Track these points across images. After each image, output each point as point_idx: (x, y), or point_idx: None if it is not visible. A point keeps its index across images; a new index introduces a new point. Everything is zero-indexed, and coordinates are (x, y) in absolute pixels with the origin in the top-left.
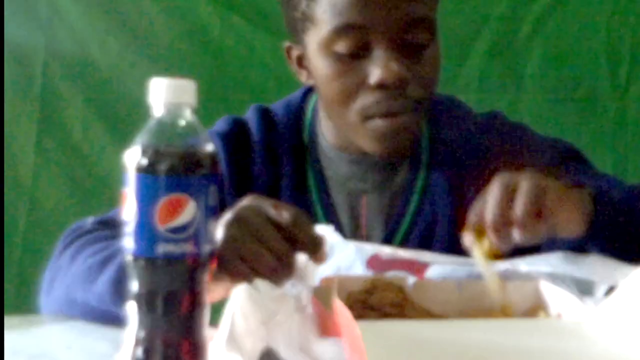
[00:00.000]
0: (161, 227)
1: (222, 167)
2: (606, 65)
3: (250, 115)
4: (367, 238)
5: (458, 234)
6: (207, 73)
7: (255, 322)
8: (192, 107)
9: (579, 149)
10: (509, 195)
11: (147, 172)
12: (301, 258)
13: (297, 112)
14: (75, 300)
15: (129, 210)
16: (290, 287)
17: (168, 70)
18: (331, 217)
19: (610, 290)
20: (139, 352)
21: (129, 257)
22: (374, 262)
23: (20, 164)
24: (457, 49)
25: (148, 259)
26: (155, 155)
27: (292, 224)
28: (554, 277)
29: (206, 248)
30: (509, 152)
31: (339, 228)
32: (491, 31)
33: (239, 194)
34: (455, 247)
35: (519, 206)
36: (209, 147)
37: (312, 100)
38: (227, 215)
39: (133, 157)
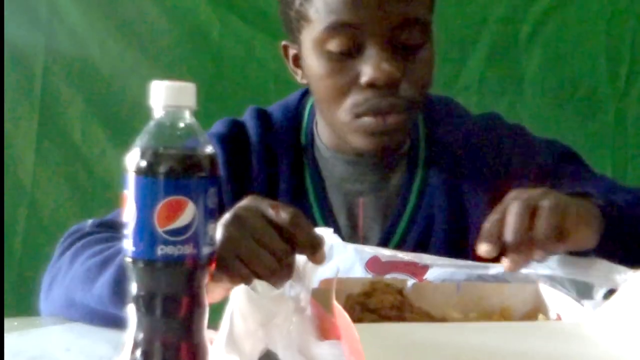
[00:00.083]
0: (160, 229)
1: (220, 169)
2: (606, 65)
3: (247, 117)
4: (365, 239)
5: (455, 235)
6: (207, 74)
7: (254, 324)
8: (192, 110)
9: (574, 151)
10: (529, 215)
11: (146, 175)
12: (300, 259)
13: (294, 114)
14: (74, 302)
15: (128, 212)
16: (289, 288)
17: (168, 71)
18: (329, 219)
19: (609, 293)
20: (138, 354)
21: (128, 259)
22: (373, 264)
23: (20, 165)
24: (457, 51)
25: (147, 261)
26: (154, 157)
27: (291, 224)
28: (553, 280)
29: (205, 250)
30: (505, 153)
31: (337, 229)
32: (491, 33)
33: (237, 195)
34: (452, 248)
35: (541, 228)
36: (208, 150)
37: (309, 102)
38: (226, 216)
39: (132, 160)
